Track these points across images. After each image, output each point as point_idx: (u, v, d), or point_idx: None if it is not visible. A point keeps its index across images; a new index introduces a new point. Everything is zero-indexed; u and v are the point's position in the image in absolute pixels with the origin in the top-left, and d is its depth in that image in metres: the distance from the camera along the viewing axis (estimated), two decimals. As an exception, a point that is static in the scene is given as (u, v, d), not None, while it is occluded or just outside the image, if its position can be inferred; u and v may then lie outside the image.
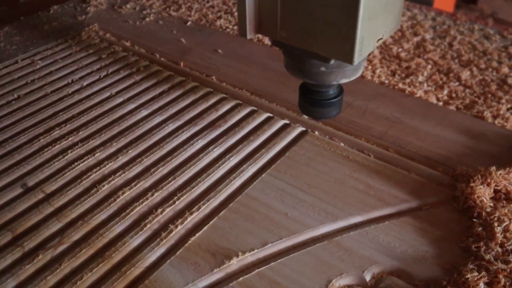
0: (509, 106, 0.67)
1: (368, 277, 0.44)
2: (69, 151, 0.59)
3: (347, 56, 0.41)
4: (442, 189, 0.52)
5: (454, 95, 0.69)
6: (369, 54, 0.55)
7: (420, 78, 0.73)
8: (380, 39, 0.44)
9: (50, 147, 0.60)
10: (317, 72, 0.47)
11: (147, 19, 0.89)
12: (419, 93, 0.69)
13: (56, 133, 0.62)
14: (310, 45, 0.43)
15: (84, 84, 0.72)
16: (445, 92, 0.70)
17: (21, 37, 0.85)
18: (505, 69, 0.75)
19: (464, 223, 0.48)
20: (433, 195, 0.51)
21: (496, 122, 0.63)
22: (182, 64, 0.75)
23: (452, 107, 0.66)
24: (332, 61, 0.45)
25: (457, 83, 0.72)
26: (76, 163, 0.57)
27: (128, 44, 0.81)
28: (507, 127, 0.62)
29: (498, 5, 1.78)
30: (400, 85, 0.70)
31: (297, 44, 0.44)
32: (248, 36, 0.46)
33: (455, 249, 0.46)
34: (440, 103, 0.67)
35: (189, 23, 0.88)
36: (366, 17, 0.40)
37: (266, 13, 0.45)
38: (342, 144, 0.58)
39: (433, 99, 0.67)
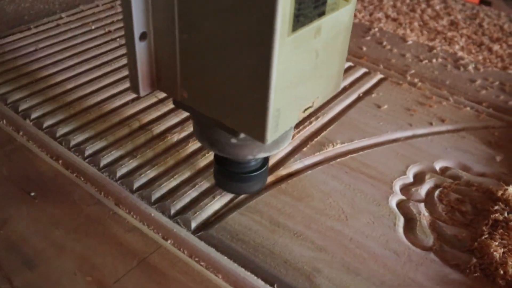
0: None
1: (437, 167, 0.55)
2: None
3: (258, 133, 0.33)
4: (488, 118, 0.63)
5: (488, 60, 0.81)
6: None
7: (457, 47, 0.85)
8: (310, 107, 0.37)
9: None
10: (228, 144, 0.39)
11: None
12: (459, 54, 0.80)
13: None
14: (215, 113, 0.35)
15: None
16: (480, 58, 0.82)
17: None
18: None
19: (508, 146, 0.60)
20: (482, 121, 0.63)
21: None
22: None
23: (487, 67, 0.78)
24: (242, 135, 0.37)
25: (489, 53, 0.84)
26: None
27: None
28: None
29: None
30: (439, 48, 0.82)
31: (201, 110, 0.36)
32: (142, 93, 0.37)
33: (498, 158, 0.57)
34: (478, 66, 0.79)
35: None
36: (284, 85, 0.32)
37: (164, 66, 0.37)
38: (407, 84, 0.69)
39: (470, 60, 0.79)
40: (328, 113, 0.61)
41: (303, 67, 0.33)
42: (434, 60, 0.77)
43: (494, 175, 0.54)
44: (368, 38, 0.83)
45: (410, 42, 0.83)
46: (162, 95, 0.63)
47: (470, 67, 0.76)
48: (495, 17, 0.98)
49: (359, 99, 0.65)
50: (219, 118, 0.35)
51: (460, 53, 0.81)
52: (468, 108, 0.65)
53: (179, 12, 0.34)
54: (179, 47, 0.35)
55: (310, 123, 0.59)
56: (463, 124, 0.62)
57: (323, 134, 0.57)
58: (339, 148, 0.56)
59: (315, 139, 0.57)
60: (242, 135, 0.37)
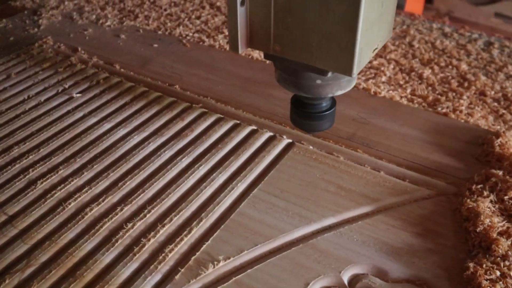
0: (469, 102, 0.69)
1: (345, 278, 0.44)
2: (31, 169, 0.57)
3: (347, 69, 0.40)
4: (413, 186, 0.53)
5: (417, 93, 0.71)
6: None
7: (384, 78, 0.74)
8: (376, 49, 0.43)
9: (9, 167, 0.57)
10: (313, 85, 0.46)
11: (104, 29, 0.87)
12: (383, 93, 0.69)
13: (15, 151, 0.60)
14: (307, 59, 0.42)
15: (42, 99, 0.69)
16: (408, 91, 0.71)
17: (-32, 53, 0.82)
18: (464, 66, 0.77)
19: (438, 219, 0.49)
20: (404, 193, 0.52)
21: (459, 118, 0.65)
22: (143, 74, 0.73)
23: (416, 105, 0.67)
24: (329, 74, 0.44)
25: (419, 82, 0.74)
26: (38, 182, 0.55)
27: (85, 56, 0.79)
28: (470, 122, 0.64)
29: (453, 4, 1.83)
30: (364, 85, 0.71)
31: (292, 58, 0.43)
32: (240, 51, 0.44)
33: (429, 244, 0.46)
34: (405, 102, 0.68)
35: (147, 32, 0.86)
36: (365, 28, 0.39)
37: (258, 26, 0.43)
38: (311, 147, 0.58)
39: (397, 98, 0.68)
40: (214, 212, 0.50)
41: (374, 15, 0.40)
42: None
43: (417, 278, 0.43)
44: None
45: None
46: (12, 211, 0.51)
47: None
48: (427, 32, 0.88)
49: (257, 180, 0.54)
50: (311, 63, 0.42)
51: (383, 92, 0.70)
52: (386, 175, 0.54)
53: None
54: (274, 7, 0.41)
55: (190, 231, 0.48)
56: (381, 201, 0.51)
57: (203, 248, 0.46)
58: (223, 266, 0.45)
59: (193, 257, 0.45)
60: (328, 75, 0.43)
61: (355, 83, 0.48)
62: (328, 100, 0.49)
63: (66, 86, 0.72)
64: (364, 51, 0.40)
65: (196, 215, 0.50)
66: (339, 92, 0.47)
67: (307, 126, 0.50)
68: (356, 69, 0.40)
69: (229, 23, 0.43)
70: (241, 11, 0.42)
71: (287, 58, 0.43)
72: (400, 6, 1.17)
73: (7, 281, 0.44)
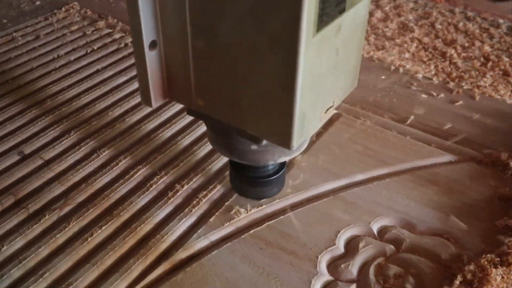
0: (492, 80, 0.70)
1: (374, 228, 0.45)
2: (64, 120, 0.58)
3: (284, 139, 0.32)
4: (438, 151, 0.54)
5: (440, 70, 0.72)
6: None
7: (407, 55, 0.75)
8: (330, 107, 0.36)
9: (43, 117, 0.59)
10: (248, 151, 0.38)
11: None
12: (408, 66, 0.71)
13: (48, 105, 0.61)
14: (235, 121, 0.33)
15: (72, 58, 0.71)
16: (432, 67, 0.72)
17: (-3, 15, 0.83)
18: (487, 48, 0.78)
19: (463, 181, 0.50)
20: (430, 157, 0.53)
21: (483, 94, 0.66)
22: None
23: (440, 80, 0.68)
24: (264, 141, 0.36)
25: (442, 60, 0.75)
26: (72, 131, 0.56)
27: (111, 21, 0.80)
28: (495, 97, 0.65)
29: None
30: (388, 59, 0.72)
31: (219, 117, 0.35)
32: (154, 105, 0.35)
33: (455, 203, 0.48)
34: (428, 76, 0.69)
35: None
36: (308, 87, 0.31)
37: (177, 75, 0.34)
38: (337, 111, 0.59)
39: (421, 73, 0.69)
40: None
41: (324, 67, 0.32)
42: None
43: (443, 232, 0.45)
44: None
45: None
46: (48, 156, 0.53)
47: (415, 87, 0.66)
48: (449, 14, 0.89)
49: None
50: (240, 126, 0.34)
51: (408, 66, 0.71)
52: (413, 140, 0.55)
53: (192, 17, 0.32)
54: (193, 54, 0.33)
55: (222, 180, 0.49)
56: (408, 162, 0.52)
57: (235, 196, 0.47)
58: (255, 213, 0.46)
59: (226, 203, 0.46)
60: (264, 142, 0.35)
61: (305, 146, 0.40)
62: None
63: (95, 48, 0.73)
64: (310, 115, 0.32)
65: (228, 167, 0.51)
66: (284, 159, 0.39)
67: (251, 193, 0.44)
68: (296, 140, 0.32)
69: (137, 70, 0.35)
70: (151, 56, 0.34)
71: (213, 117, 0.35)
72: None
73: (46, 217, 0.45)
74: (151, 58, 0.34)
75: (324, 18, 0.30)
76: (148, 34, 0.33)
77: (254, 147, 0.37)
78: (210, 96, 0.34)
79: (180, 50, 0.33)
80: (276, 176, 0.43)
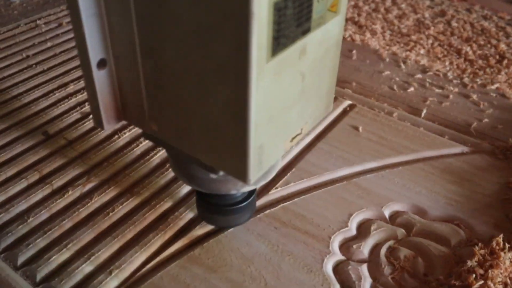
0: (507, 77, 0.70)
1: (386, 213, 0.46)
2: (86, 103, 0.60)
3: (239, 173, 0.28)
4: (451, 142, 0.55)
5: (455, 66, 0.73)
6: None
7: (422, 51, 0.76)
8: (298, 134, 0.32)
9: (66, 100, 0.61)
10: (207, 179, 0.35)
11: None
12: (423, 62, 0.72)
13: (71, 88, 0.63)
14: (189, 148, 0.31)
15: (95, 47, 0.73)
16: (447, 63, 0.73)
17: (21, 3, 0.85)
18: (503, 46, 0.79)
19: (475, 171, 0.51)
20: (442, 148, 0.54)
21: (498, 89, 0.66)
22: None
23: (455, 75, 0.69)
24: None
25: (457, 57, 0.76)
26: (95, 114, 0.58)
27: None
28: (508, 93, 0.66)
29: (488, 1, 1.83)
30: (404, 54, 0.73)
31: (173, 144, 0.32)
32: (106, 127, 0.33)
33: (466, 192, 0.49)
34: (444, 72, 0.70)
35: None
36: (265, 118, 0.27)
37: (128, 96, 0.32)
38: (351, 102, 0.61)
39: (436, 68, 0.70)
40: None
41: (287, 94, 0.29)
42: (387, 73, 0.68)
43: (454, 219, 0.46)
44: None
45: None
46: (71, 136, 0.55)
47: (428, 81, 0.67)
48: (465, 13, 0.89)
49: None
50: (194, 155, 0.31)
51: (423, 61, 0.72)
52: (426, 131, 0.56)
53: (140, 37, 0.29)
54: (143, 75, 0.30)
55: (240, 163, 0.51)
56: (421, 152, 0.53)
57: (253, 177, 0.49)
58: (271, 194, 0.47)
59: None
60: (221, 173, 0.33)
61: (274, 173, 0.37)
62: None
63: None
64: (269, 146, 0.29)
65: (245, 151, 0.52)
66: (247, 189, 0.36)
67: (220, 222, 0.41)
68: (253, 174, 0.28)
69: (86, 91, 0.32)
70: (100, 75, 0.31)
71: (167, 143, 0.33)
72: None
73: (70, 192, 0.47)
74: (100, 78, 0.31)
75: (282, 40, 0.26)
76: (96, 52, 0.30)
77: (213, 176, 0.34)
78: (164, 120, 0.31)
79: (131, 71, 0.31)
80: (245, 203, 0.39)
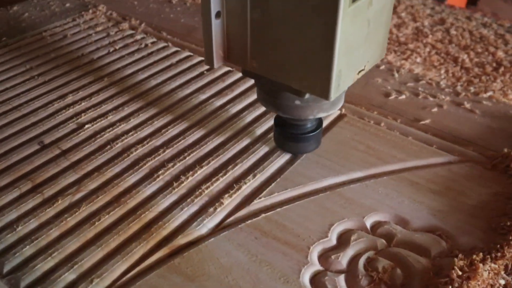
0: (503, 85, 0.70)
1: (368, 223, 0.47)
2: (83, 114, 0.62)
3: (323, 92, 0.38)
4: (439, 151, 0.55)
5: (450, 74, 0.72)
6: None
7: (418, 59, 0.76)
8: (362, 70, 0.41)
9: (64, 111, 0.62)
10: (292, 106, 0.44)
11: (153, 1, 0.92)
12: (417, 70, 0.72)
13: (69, 99, 0.65)
14: (283, 78, 0.40)
15: (95, 57, 0.74)
16: (442, 71, 0.73)
17: (29, 16, 0.88)
18: (501, 54, 0.79)
19: (461, 181, 0.51)
20: (430, 157, 0.54)
21: (491, 98, 0.66)
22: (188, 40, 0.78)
23: (449, 84, 0.69)
24: (307, 95, 0.42)
25: (454, 65, 0.75)
26: (89, 125, 0.59)
27: (135, 23, 0.83)
28: (502, 101, 0.65)
29: (498, 7, 1.82)
30: (399, 63, 0.74)
31: (269, 76, 0.41)
32: (215, 65, 0.43)
33: (451, 202, 0.49)
34: (438, 80, 0.70)
35: (194, 5, 0.91)
36: (344, 48, 0.37)
37: (235, 41, 0.42)
38: (343, 111, 0.61)
39: (430, 76, 0.71)
40: (249, 159, 0.54)
41: (358, 34, 0.38)
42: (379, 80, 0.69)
43: (436, 229, 0.46)
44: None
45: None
46: (65, 146, 0.56)
47: (421, 89, 0.67)
48: (465, 21, 0.89)
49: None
50: (287, 82, 0.40)
51: (417, 70, 0.72)
52: (414, 140, 0.56)
53: None
54: (250, 23, 0.40)
55: (226, 173, 0.52)
56: (407, 161, 0.53)
57: (233, 190, 0.50)
58: (254, 204, 0.48)
59: (226, 195, 0.49)
60: (306, 96, 0.42)
61: (341, 104, 0.46)
62: (313, 120, 0.47)
63: (117, 48, 0.77)
64: (345, 73, 0.38)
65: (232, 161, 0.53)
66: (321, 115, 0.45)
67: (291, 148, 0.50)
68: (333, 93, 0.38)
69: (204, 36, 0.42)
70: (216, 24, 0.41)
71: (264, 76, 0.42)
72: None
73: (59, 202, 0.48)
74: (216, 26, 0.41)
75: None
76: (215, 6, 0.40)
77: (297, 102, 0.43)
78: (263, 58, 0.41)
79: (239, 21, 0.40)
80: (314, 133, 0.49)
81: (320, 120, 0.50)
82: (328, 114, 0.45)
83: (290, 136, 0.49)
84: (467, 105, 0.63)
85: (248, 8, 0.40)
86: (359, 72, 0.41)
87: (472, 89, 0.68)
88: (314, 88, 0.39)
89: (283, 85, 0.41)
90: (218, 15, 0.41)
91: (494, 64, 0.76)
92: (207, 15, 0.40)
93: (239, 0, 0.40)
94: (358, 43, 0.39)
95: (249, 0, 0.39)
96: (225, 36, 0.42)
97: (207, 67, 0.71)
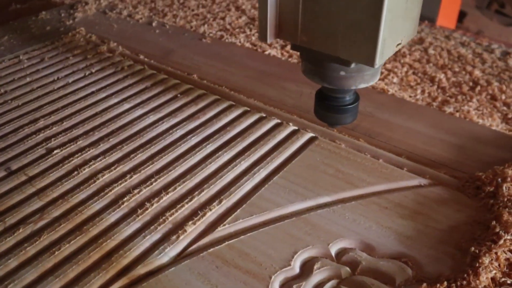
0: (478, 104, 0.70)
1: (333, 250, 0.46)
2: (53, 139, 0.61)
3: (369, 58, 0.41)
4: (409, 174, 0.54)
5: (426, 94, 0.72)
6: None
7: (395, 79, 0.76)
8: (399, 44, 0.44)
9: (34, 135, 0.62)
10: (337, 77, 0.47)
11: (133, 24, 0.92)
12: (392, 91, 0.72)
13: (41, 123, 0.64)
14: (331, 49, 0.43)
15: (70, 81, 0.74)
16: (418, 91, 0.73)
17: (8, 39, 0.88)
18: (478, 73, 0.79)
19: (431, 205, 0.51)
20: (399, 180, 0.54)
21: (465, 117, 0.66)
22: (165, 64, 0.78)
23: (424, 104, 0.69)
24: (353, 65, 0.45)
25: (430, 84, 0.75)
26: (58, 150, 0.59)
27: (113, 45, 0.83)
28: (475, 121, 0.65)
29: (484, 24, 1.83)
30: (374, 84, 0.73)
31: (318, 48, 0.44)
32: (269, 41, 0.46)
33: (419, 226, 0.48)
34: (413, 101, 0.70)
35: (173, 28, 0.91)
36: (389, 18, 0.40)
37: (287, 17, 0.45)
38: (314, 134, 0.61)
39: (406, 98, 0.70)
40: (216, 184, 0.53)
41: (399, 8, 0.41)
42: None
43: (403, 256, 0.45)
44: (292, 78, 0.74)
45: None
46: (32, 172, 0.55)
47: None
48: (444, 40, 0.89)
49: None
50: (335, 53, 0.43)
51: (392, 90, 0.72)
52: (385, 163, 0.56)
53: None
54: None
55: (191, 199, 0.51)
56: (376, 185, 0.53)
57: (198, 217, 0.49)
58: (218, 231, 0.47)
59: (190, 222, 0.48)
60: (351, 66, 0.44)
61: (378, 77, 0.49)
62: (351, 94, 0.50)
63: (93, 71, 0.77)
64: (388, 42, 0.41)
65: (199, 186, 0.53)
66: (362, 85, 0.48)
67: (330, 118, 0.51)
68: (378, 60, 0.41)
69: (259, 12, 0.45)
70: (271, 1, 0.44)
71: (313, 49, 0.45)
72: (431, 19, 1.18)
73: (20, 230, 0.48)
74: (271, 3, 0.44)
75: None
76: None
77: (342, 73, 0.46)
78: (312, 32, 0.44)
79: None
80: (353, 105, 0.50)
81: (357, 95, 0.52)
82: (368, 85, 0.48)
83: (330, 107, 0.51)
84: (440, 126, 0.63)
85: None
86: (397, 45, 0.43)
87: (446, 109, 0.68)
88: (361, 56, 0.42)
89: (330, 57, 0.44)
90: None
91: (471, 83, 0.76)
92: None
93: None
94: (398, 17, 0.41)
95: None
96: (278, 13, 0.45)
97: (181, 90, 0.70)
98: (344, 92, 0.49)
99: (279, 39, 0.47)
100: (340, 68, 0.45)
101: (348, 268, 0.44)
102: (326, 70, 0.46)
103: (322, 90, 0.51)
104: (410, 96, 0.71)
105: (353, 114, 0.51)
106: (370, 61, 0.41)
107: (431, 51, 0.85)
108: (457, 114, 0.67)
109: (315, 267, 0.44)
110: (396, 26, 0.42)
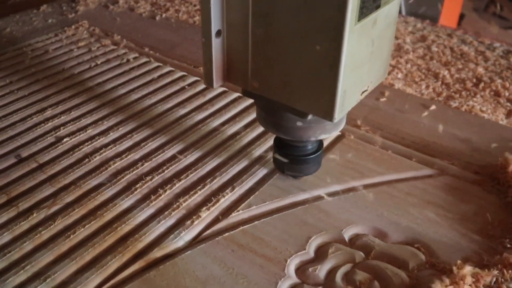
0: (482, 100, 0.71)
1: (346, 236, 0.46)
2: (62, 128, 0.61)
3: (328, 112, 0.37)
4: (418, 165, 0.55)
5: (431, 90, 0.73)
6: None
7: (400, 75, 0.77)
8: (365, 91, 0.41)
9: (42, 124, 0.62)
10: (293, 127, 0.43)
11: (136, 17, 0.93)
12: (398, 86, 0.72)
13: (48, 113, 0.64)
14: (286, 98, 0.40)
15: (75, 72, 0.74)
16: (423, 87, 0.74)
17: (10, 31, 0.87)
18: (481, 70, 0.80)
19: (440, 194, 0.51)
20: (409, 170, 0.54)
21: (470, 112, 0.67)
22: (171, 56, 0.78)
23: (428, 98, 0.70)
24: (310, 116, 0.41)
25: (435, 80, 0.76)
26: (68, 138, 0.59)
27: (117, 38, 0.83)
28: (480, 115, 0.66)
29: (482, 26, 1.85)
30: (379, 78, 0.74)
31: (271, 96, 0.41)
32: (215, 85, 0.42)
33: (429, 214, 0.49)
34: (418, 96, 0.71)
35: (176, 22, 0.91)
36: (350, 67, 0.36)
37: (235, 59, 0.41)
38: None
39: (411, 92, 0.71)
40: (228, 172, 0.53)
41: (363, 54, 0.38)
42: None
43: (415, 242, 0.46)
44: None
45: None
46: (43, 160, 0.55)
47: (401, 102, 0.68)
48: (446, 38, 0.90)
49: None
50: (290, 104, 0.39)
51: (398, 85, 0.73)
52: (394, 154, 0.57)
53: (253, 7, 0.38)
54: (252, 41, 0.39)
55: (204, 186, 0.51)
56: (386, 175, 0.53)
57: (211, 203, 0.49)
58: (232, 217, 0.48)
59: (204, 208, 0.48)
60: (308, 118, 0.41)
61: (343, 125, 0.45)
62: (314, 142, 0.47)
63: (98, 62, 0.77)
64: (349, 93, 0.38)
65: (211, 174, 0.53)
66: (324, 136, 0.44)
67: (291, 170, 0.49)
68: (338, 113, 0.37)
69: (204, 55, 0.41)
70: (216, 43, 0.40)
71: (266, 97, 0.41)
72: (434, 19, 1.19)
73: (34, 215, 0.48)
74: (216, 45, 0.40)
75: (364, 10, 0.36)
76: (215, 24, 0.40)
77: (299, 123, 0.42)
78: (264, 78, 0.40)
79: (241, 38, 0.39)
80: (315, 155, 0.47)
81: (321, 142, 0.48)
82: (331, 136, 0.45)
83: (291, 158, 0.47)
84: (447, 119, 0.64)
85: (250, 25, 0.39)
86: (363, 92, 0.40)
87: (452, 104, 0.69)
88: (318, 109, 0.38)
89: (285, 106, 0.40)
90: (218, 33, 0.40)
91: (474, 80, 0.77)
92: (207, 33, 0.39)
93: (241, 16, 0.39)
94: (362, 63, 0.38)
95: (252, 16, 0.38)
96: (225, 56, 0.41)
97: (188, 81, 0.71)
98: (304, 142, 0.45)
99: (229, 82, 0.43)
100: (297, 118, 0.42)
101: (361, 253, 0.44)
102: (281, 120, 0.43)
103: (280, 138, 0.47)
104: (416, 91, 0.72)
105: (316, 164, 0.48)
106: (329, 115, 0.37)
107: (434, 48, 0.86)
108: (463, 109, 0.67)
109: (330, 251, 0.44)
110: (361, 73, 0.38)
